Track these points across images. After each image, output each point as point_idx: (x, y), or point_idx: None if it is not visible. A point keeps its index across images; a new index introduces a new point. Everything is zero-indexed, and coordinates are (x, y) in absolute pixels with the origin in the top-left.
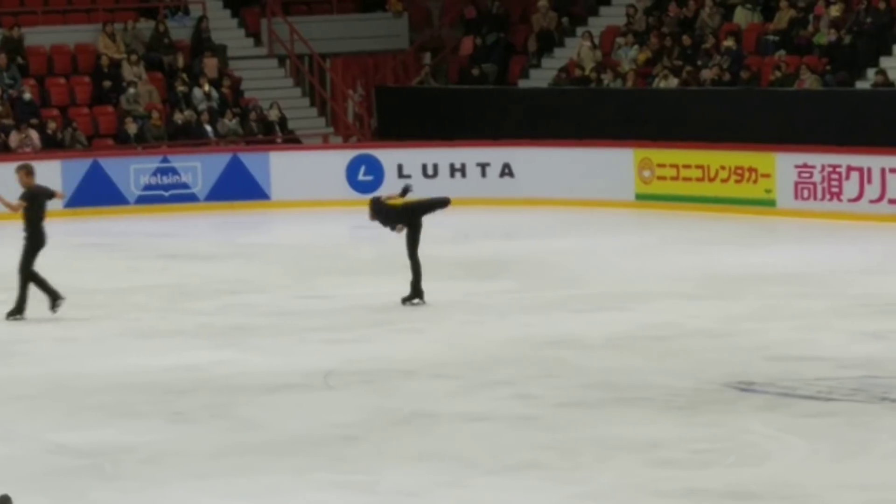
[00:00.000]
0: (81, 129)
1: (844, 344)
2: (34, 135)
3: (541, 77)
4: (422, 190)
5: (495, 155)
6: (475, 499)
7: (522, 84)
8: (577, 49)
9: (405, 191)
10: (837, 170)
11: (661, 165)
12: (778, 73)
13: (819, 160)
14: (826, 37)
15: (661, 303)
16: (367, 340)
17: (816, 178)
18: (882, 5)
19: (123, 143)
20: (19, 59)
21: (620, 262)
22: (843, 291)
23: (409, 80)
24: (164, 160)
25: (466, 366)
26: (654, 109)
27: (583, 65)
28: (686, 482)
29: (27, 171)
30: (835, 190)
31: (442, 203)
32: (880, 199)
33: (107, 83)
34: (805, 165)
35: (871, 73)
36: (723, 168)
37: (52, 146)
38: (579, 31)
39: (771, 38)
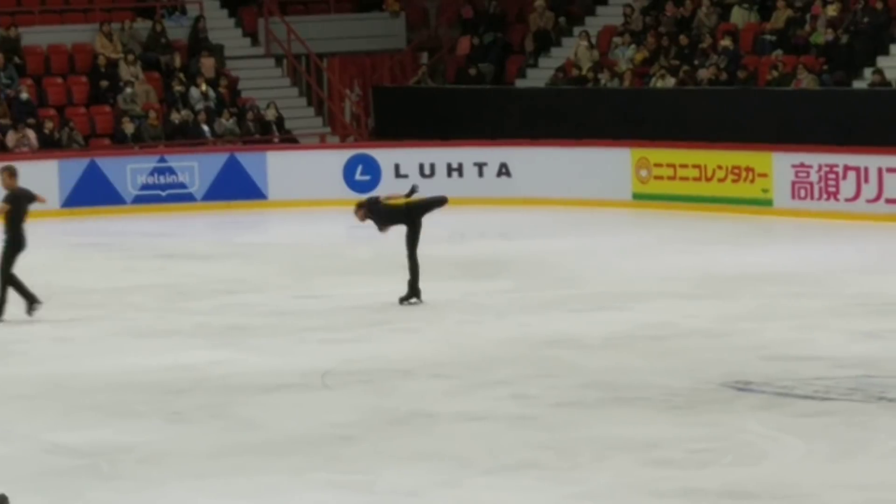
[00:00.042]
0: (78, 128)
1: (841, 343)
2: (31, 134)
3: (538, 77)
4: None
5: (492, 154)
6: (472, 498)
7: (519, 84)
8: (573, 49)
9: (412, 191)
10: (834, 169)
11: (658, 165)
12: (775, 73)
13: (816, 160)
14: (823, 36)
15: (658, 302)
16: (365, 340)
17: (813, 177)
18: (879, 5)
19: (120, 142)
20: (16, 59)
21: (618, 262)
22: (839, 291)
23: (406, 80)
24: (161, 160)
25: (464, 365)
26: (651, 109)
27: (580, 64)
28: (683, 482)
29: (10, 173)
30: (832, 189)
31: (440, 202)
32: (877, 198)
33: (104, 83)
34: (802, 165)
35: (868, 72)
36: (720, 168)
37: (49, 146)
38: (576, 30)
39: (768, 37)
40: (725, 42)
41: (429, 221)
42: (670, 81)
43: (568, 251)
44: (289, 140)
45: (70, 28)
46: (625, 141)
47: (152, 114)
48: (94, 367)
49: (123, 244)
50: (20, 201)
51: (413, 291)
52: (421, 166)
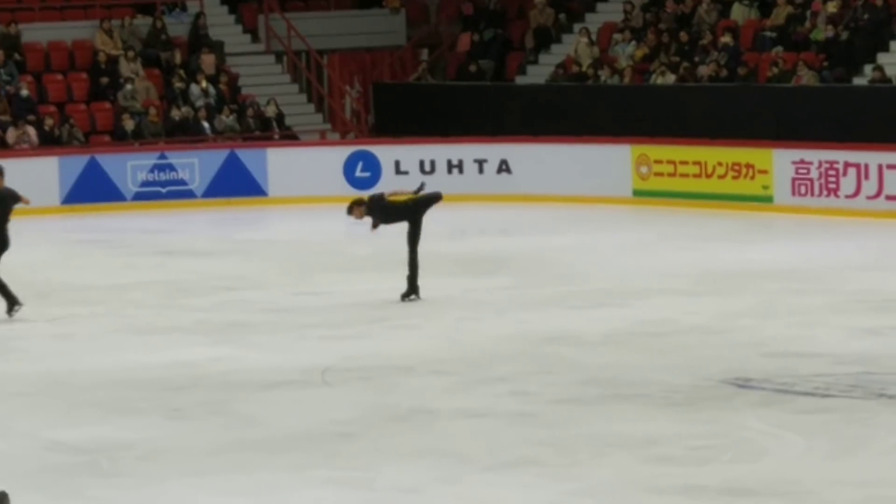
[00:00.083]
0: (79, 125)
1: (841, 340)
2: (31, 131)
3: (538, 73)
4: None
5: (492, 151)
6: (472, 495)
7: (520, 80)
8: (574, 45)
9: (421, 188)
10: (835, 166)
11: (659, 162)
12: (775, 70)
13: (816, 156)
14: (823, 33)
15: (658, 299)
16: (365, 337)
17: (814, 174)
18: (879, 2)
19: (121, 139)
20: (16, 56)
21: (618, 259)
22: (840, 288)
23: (406, 77)
24: (162, 156)
25: (464, 362)
26: (652, 106)
27: (580, 61)
28: (683, 478)
29: None
30: (832, 186)
31: (436, 198)
32: (877, 195)
33: (104, 80)
34: (802, 162)
35: (868, 69)
36: (720, 164)
37: (50, 143)
38: (576, 27)
39: (768, 34)
40: (726, 39)
41: (428, 218)
42: (670, 78)
43: (568, 248)
44: (289, 137)
45: (70, 25)
46: (625, 137)
47: (152, 110)
48: (94, 364)
49: (124, 241)
50: (5, 202)
51: (412, 288)
52: (421, 163)
